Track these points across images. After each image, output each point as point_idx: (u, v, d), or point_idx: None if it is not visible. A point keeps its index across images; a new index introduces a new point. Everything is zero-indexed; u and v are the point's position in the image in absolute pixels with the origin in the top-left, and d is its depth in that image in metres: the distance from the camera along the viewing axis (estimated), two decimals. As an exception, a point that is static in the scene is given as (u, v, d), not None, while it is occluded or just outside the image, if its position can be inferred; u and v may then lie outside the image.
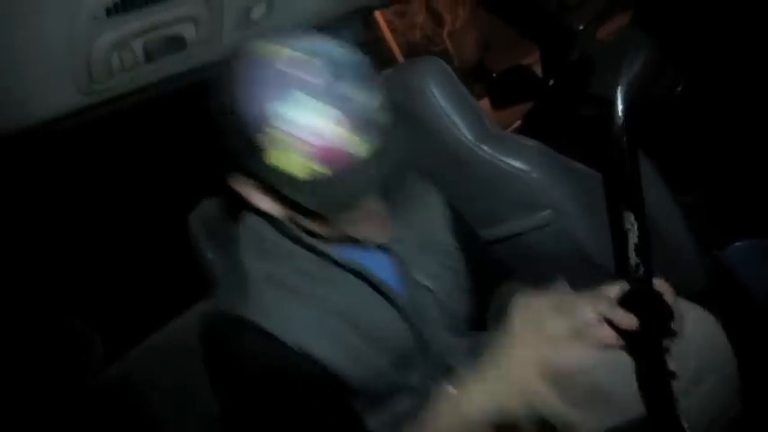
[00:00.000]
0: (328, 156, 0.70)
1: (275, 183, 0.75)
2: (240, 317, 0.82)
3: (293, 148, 0.69)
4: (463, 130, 1.27)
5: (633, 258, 0.85)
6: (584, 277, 1.21)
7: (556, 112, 2.10)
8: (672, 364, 0.82)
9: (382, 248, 0.94)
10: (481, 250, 1.13)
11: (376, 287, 0.90)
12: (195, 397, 1.08)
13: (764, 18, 1.78)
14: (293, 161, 0.70)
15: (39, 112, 0.93)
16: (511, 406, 0.72)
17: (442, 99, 1.28)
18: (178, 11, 0.96)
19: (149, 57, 0.98)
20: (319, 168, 0.70)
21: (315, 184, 0.71)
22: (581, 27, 1.97)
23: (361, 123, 0.70)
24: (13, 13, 0.77)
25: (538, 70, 2.33)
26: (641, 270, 0.84)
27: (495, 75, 2.59)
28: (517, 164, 1.25)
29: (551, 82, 2.12)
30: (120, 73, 0.98)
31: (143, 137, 1.89)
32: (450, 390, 0.81)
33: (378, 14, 3.89)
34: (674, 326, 0.83)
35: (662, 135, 1.83)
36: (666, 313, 0.82)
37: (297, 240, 0.88)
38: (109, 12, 0.85)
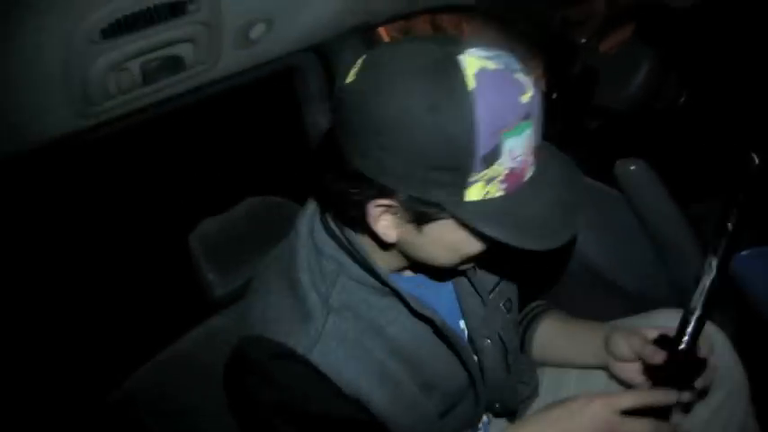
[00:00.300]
0: (516, 177, 0.67)
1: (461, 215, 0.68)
2: (293, 350, 0.74)
3: (498, 179, 0.66)
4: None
5: (697, 300, 0.81)
6: (594, 293, 1.20)
7: (560, 125, 2.09)
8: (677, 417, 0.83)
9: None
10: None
11: (446, 339, 0.84)
12: (196, 422, 1.06)
13: (765, 27, 1.77)
14: (489, 191, 0.66)
15: (35, 136, 0.93)
16: None
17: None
18: (176, 32, 0.96)
19: (147, 78, 0.98)
20: (504, 190, 0.67)
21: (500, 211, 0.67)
22: (583, 40, 1.96)
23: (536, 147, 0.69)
24: (8, 37, 0.77)
25: (542, 85, 2.33)
26: (696, 313, 0.81)
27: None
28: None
29: (555, 95, 2.11)
30: (118, 95, 0.98)
31: (143, 157, 1.90)
32: None
33: (382, 31, 3.90)
34: (698, 382, 0.82)
35: (667, 145, 1.81)
36: (697, 367, 0.82)
37: (369, 270, 0.79)
38: (105, 34, 0.85)
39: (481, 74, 0.62)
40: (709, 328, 0.96)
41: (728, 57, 1.89)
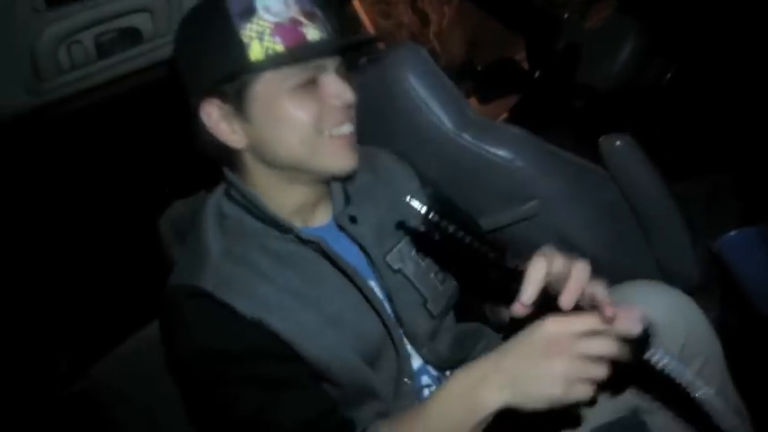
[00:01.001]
0: (290, 32, 0.79)
1: (247, 78, 0.80)
2: (196, 286, 0.81)
3: (268, 33, 0.78)
4: (443, 119, 1.21)
5: None
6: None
7: (543, 104, 2.06)
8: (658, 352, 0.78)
9: (344, 231, 0.94)
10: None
11: (341, 269, 0.89)
12: (163, 407, 1.03)
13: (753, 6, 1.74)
14: (269, 46, 0.79)
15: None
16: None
17: (420, 87, 1.21)
18: (131, 1, 0.91)
19: (102, 51, 0.92)
20: (284, 44, 0.79)
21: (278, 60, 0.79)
22: (566, 15, 1.93)
23: (310, 12, 0.82)
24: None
25: (525, 65, 2.30)
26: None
27: (480, 68, 2.56)
28: (501, 152, 1.19)
29: (537, 74, 2.07)
30: (71, 70, 0.92)
31: (106, 137, 1.82)
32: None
33: (363, 15, 3.88)
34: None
35: (653, 123, 1.78)
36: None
37: (259, 216, 0.88)
38: (49, 2, 0.79)
39: None
40: (682, 300, 0.97)
41: (714, 32, 1.86)
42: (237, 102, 0.83)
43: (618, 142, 1.25)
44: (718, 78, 1.78)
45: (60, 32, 0.86)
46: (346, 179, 0.95)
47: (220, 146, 0.86)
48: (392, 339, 0.93)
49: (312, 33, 0.82)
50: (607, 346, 0.69)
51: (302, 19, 0.81)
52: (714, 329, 0.99)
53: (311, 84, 0.83)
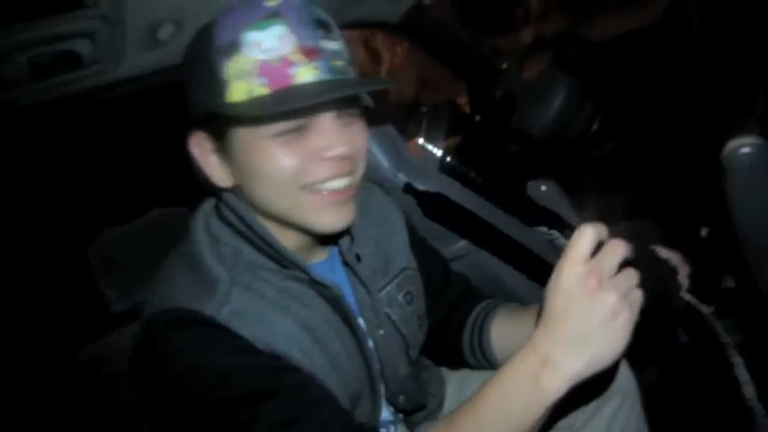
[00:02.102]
0: (277, 72, 0.70)
1: (232, 122, 0.74)
2: (203, 313, 0.73)
3: (252, 73, 0.70)
4: (380, 158, 1.25)
5: None
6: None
7: (482, 147, 2.14)
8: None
9: (350, 269, 0.90)
10: (437, 271, 1.09)
11: (344, 313, 0.85)
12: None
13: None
14: (250, 88, 0.71)
15: None
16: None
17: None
18: (71, 25, 0.90)
19: (36, 73, 0.91)
20: (269, 87, 0.71)
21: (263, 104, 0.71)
22: (504, 66, 2.03)
23: (309, 49, 0.71)
24: None
25: (467, 109, 2.39)
26: None
27: (424, 109, 2.64)
28: (433, 192, 1.24)
29: (478, 118, 2.16)
30: (3, 90, 0.91)
31: (39, 160, 1.78)
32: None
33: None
34: None
35: (580, 170, 1.89)
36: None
37: (263, 250, 0.81)
38: (-16, 21, 0.79)
39: None
40: None
41: (638, 89, 2.00)
42: (221, 141, 0.77)
43: (543, 187, 1.32)
44: (641, 130, 1.91)
45: (-6, 52, 0.84)
46: None
47: (208, 179, 0.81)
48: (372, 388, 0.90)
49: (306, 75, 0.71)
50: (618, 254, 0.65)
51: (297, 58, 0.71)
52: (634, 371, 1.03)
53: (299, 131, 0.74)
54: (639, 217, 1.78)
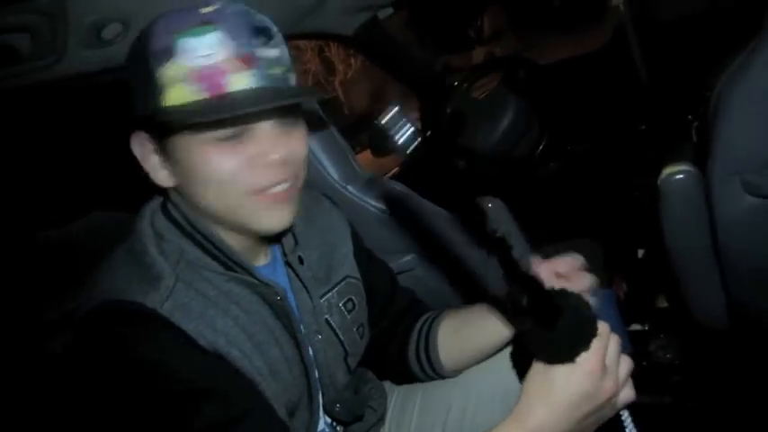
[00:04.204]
0: (211, 80, 0.70)
1: (169, 126, 0.73)
2: (147, 305, 0.72)
3: (186, 80, 0.70)
4: (329, 170, 1.25)
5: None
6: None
7: (431, 162, 2.17)
8: None
9: (293, 272, 0.89)
10: (383, 283, 1.08)
11: (285, 319, 0.84)
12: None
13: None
14: (185, 94, 0.70)
15: None
16: None
17: (309, 139, 1.25)
18: (9, 19, 0.86)
19: (-31, 66, 0.87)
20: (204, 93, 0.70)
21: (201, 110, 0.70)
22: (455, 83, 2.07)
23: (244, 57, 0.71)
24: None
25: (418, 124, 2.42)
26: None
27: (375, 122, 2.67)
28: (381, 206, 1.25)
29: (428, 133, 2.19)
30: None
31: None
32: None
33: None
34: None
35: (526, 188, 1.93)
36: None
37: (207, 250, 0.81)
38: None
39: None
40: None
41: (585, 113, 2.07)
42: (162, 143, 0.77)
43: (490, 204, 1.34)
44: (584, 153, 1.98)
45: None
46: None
47: (150, 179, 0.80)
48: (310, 396, 0.88)
49: (240, 83, 0.71)
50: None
51: (231, 66, 0.70)
52: None
53: (239, 136, 0.74)
54: (580, 236, 1.84)
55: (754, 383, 1.21)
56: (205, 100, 0.70)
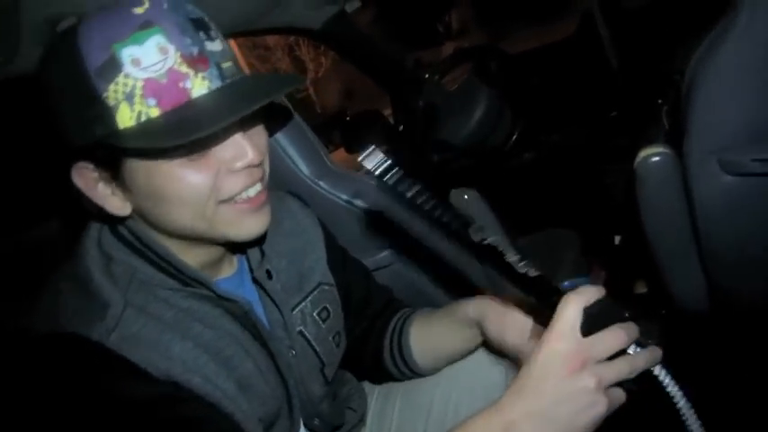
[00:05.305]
0: (169, 90, 0.63)
1: (121, 149, 0.65)
2: (90, 339, 0.65)
3: (138, 94, 0.62)
4: (300, 166, 1.22)
5: None
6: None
7: (406, 156, 2.15)
8: None
9: (260, 287, 0.84)
10: (358, 284, 1.04)
11: (254, 331, 0.80)
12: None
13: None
14: (142, 111, 0.62)
15: None
16: None
17: (280, 136, 1.23)
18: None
19: None
20: (164, 107, 0.63)
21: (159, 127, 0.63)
22: (426, 76, 2.05)
23: (195, 57, 0.64)
24: None
25: (390, 118, 2.40)
26: None
27: (347, 118, 2.63)
28: (356, 201, 1.22)
29: (401, 128, 2.17)
30: None
31: None
32: None
33: (241, 59, 3.85)
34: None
35: (500, 179, 1.93)
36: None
37: (161, 267, 0.75)
38: None
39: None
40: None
41: (557, 101, 2.07)
42: (114, 170, 0.68)
43: (465, 196, 1.33)
44: (557, 141, 1.98)
45: None
46: None
47: (101, 208, 0.71)
48: (290, 407, 0.85)
49: (200, 85, 0.64)
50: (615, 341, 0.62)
51: (185, 69, 0.63)
52: None
53: (202, 146, 0.67)
54: (556, 225, 1.84)
55: (736, 367, 1.21)
56: (162, 115, 0.63)
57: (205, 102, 0.64)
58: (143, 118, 0.63)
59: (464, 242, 1.35)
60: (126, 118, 0.63)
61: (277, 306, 0.86)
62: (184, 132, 0.61)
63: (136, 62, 0.62)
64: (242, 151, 0.69)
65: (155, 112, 0.63)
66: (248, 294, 0.83)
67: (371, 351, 1.03)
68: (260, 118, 0.75)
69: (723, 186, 0.90)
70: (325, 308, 0.93)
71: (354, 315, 1.01)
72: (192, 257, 0.77)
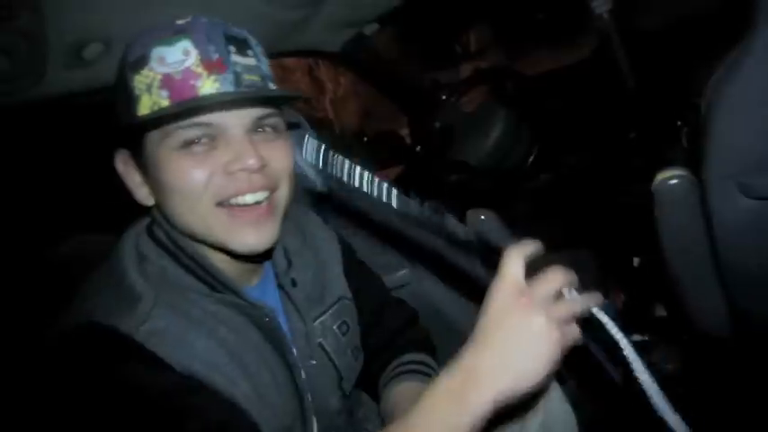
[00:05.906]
0: (180, 85, 0.70)
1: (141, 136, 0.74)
2: (120, 330, 0.70)
3: (156, 86, 0.71)
4: (316, 181, 1.23)
5: None
6: (440, 336, 1.20)
7: (423, 176, 2.16)
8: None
9: (285, 294, 0.87)
10: (372, 291, 1.06)
11: (276, 341, 0.81)
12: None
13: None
14: (155, 101, 0.71)
15: None
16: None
17: (298, 158, 1.24)
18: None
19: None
20: (173, 99, 0.71)
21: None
22: (443, 97, 2.07)
23: (213, 63, 0.71)
24: None
25: (408, 139, 2.42)
26: None
27: (366, 139, 2.66)
28: (372, 218, 1.23)
29: (418, 148, 2.18)
30: None
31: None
32: None
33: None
34: None
35: (517, 200, 1.92)
36: None
37: (193, 270, 0.78)
38: None
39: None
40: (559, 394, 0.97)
41: (574, 122, 2.06)
42: (139, 158, 0.76)
43: (482, 217, 1.33)
44: (575, 162, 1.97)
45: None
46: (284, 236, 0.87)
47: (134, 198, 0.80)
48: (304, 420, 0.85)
49: (209, 86, 0.71)
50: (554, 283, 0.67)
51: (200, 70, 0.71)
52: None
53: (208, 144, 0.73)
54: (575, 247, 1.82)
55: (757, 392, 1.19)
56: (172, 105, 0.70)
57: (210, 98, 0.71)
58: (155, 107, 0.71)
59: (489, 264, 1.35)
60: (144, 106, 0.71)
61: (300, 314, 0.88)
62: (186, 114, 0.70)
63: (161, 60, 0.71)
64: (242, 154, 0.73)
65: (164, 103, 0.71)
66: (272, 303, 0.86)
67: (380, 364, 1.04)
68: (283, 135, 0.80)
69: (742, 209, 0.88)
70: (344, 321, 0.95)
71: (371, 324, 1.02)
72: (218, 261, 0.80)
